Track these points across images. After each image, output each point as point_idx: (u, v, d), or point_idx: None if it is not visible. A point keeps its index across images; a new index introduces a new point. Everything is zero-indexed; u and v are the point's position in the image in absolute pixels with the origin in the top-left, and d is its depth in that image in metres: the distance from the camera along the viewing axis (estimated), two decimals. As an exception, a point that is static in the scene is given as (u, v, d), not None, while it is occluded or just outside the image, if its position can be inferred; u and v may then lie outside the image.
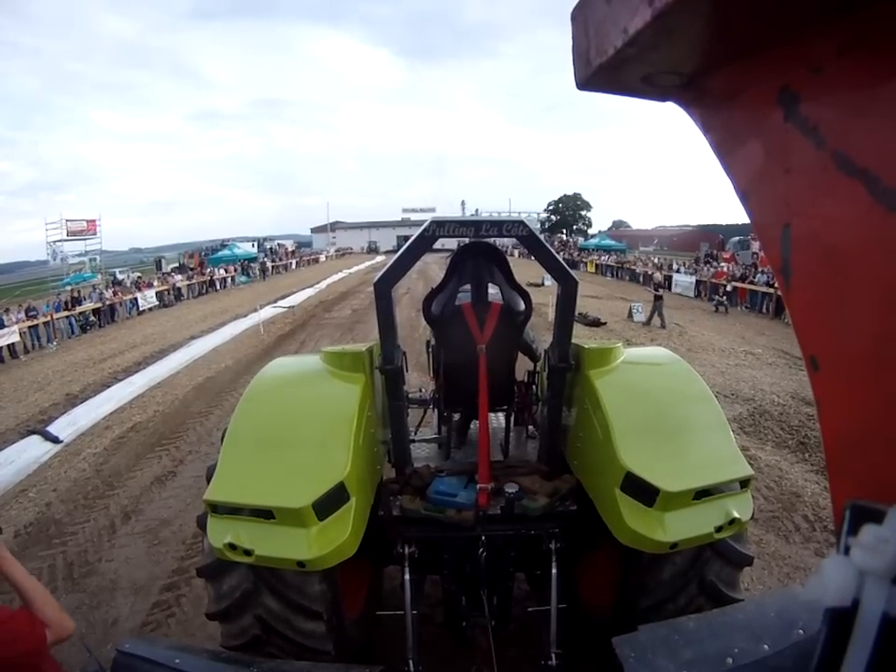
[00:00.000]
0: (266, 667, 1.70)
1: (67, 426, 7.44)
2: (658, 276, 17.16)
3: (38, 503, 5.35)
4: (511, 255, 26.43)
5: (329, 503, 1.86)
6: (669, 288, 22.26)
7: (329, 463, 1.93)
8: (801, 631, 1.31)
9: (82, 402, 8.60)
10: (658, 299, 14.05)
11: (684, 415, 2.21)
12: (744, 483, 2.06)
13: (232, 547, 1.80)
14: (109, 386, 9.46)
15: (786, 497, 4.88)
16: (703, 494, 1.96)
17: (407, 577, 2.32)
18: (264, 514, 1.84)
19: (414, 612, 2.30)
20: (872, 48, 0.42)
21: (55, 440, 6.95)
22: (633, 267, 26.89)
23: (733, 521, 1.94)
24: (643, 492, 1.93)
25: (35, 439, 6.96)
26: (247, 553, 1.79)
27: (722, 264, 21.44)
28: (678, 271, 22.92)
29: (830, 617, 0.52)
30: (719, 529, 1.93)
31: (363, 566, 2.55)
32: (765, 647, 1.35)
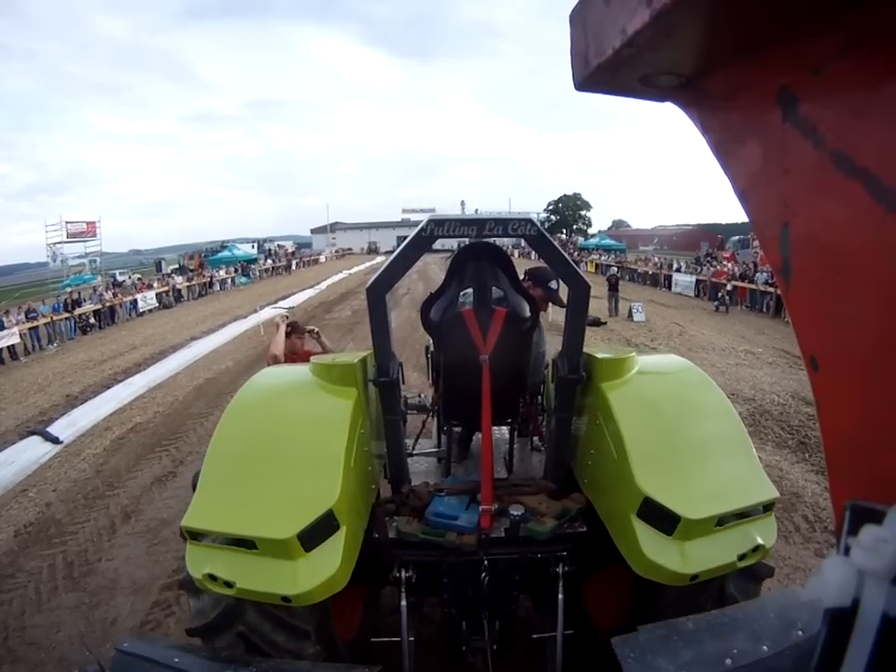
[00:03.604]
0: (265, 667, 1.69)
1: (67, 426, 7.45)
2: (613, 269, 19.24)
3: (38, 503, 5.35)
4: (511, 255, 26.39)
5: (317, 533, 1.73)
6: (669, 288, 22.33)
7: (317, 489, 1.80)
8: (800, 632, 1.31)
9: (82, 403, 8.61)
10: (612, 289, 15.62)
11: (704, 432, 2.06)
12: (767, 505, 1.92)
13: (213, 578, 1.69)
14: (109, 387, 9.47)
15: (786, 497, 4.87)
16: (725, 519, 1.83)
17: (403, 602, 2.18)
18: (246, 543, 1.71)
19: (411, 639, 2.17)
20: (872, 47, 0.42)
21: (55, 440, 6.95)
22: (633, 266, 26.93)
23: (756, 548, 1.81)
24: (662, 519, 1.80)
25: (36, 439, 6.97)
26: (228, 584, 1.68)
27: (723, 263, 21.46)
28: (678, 270, 22.92)
29: (830, 617, 0.52)
30: (742, 557, 1.80)
31: (357, 587, 2.36)
32: (765, 647, 1.35)
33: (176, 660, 1.58)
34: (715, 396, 2.22)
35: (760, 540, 1.82)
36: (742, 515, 1.87)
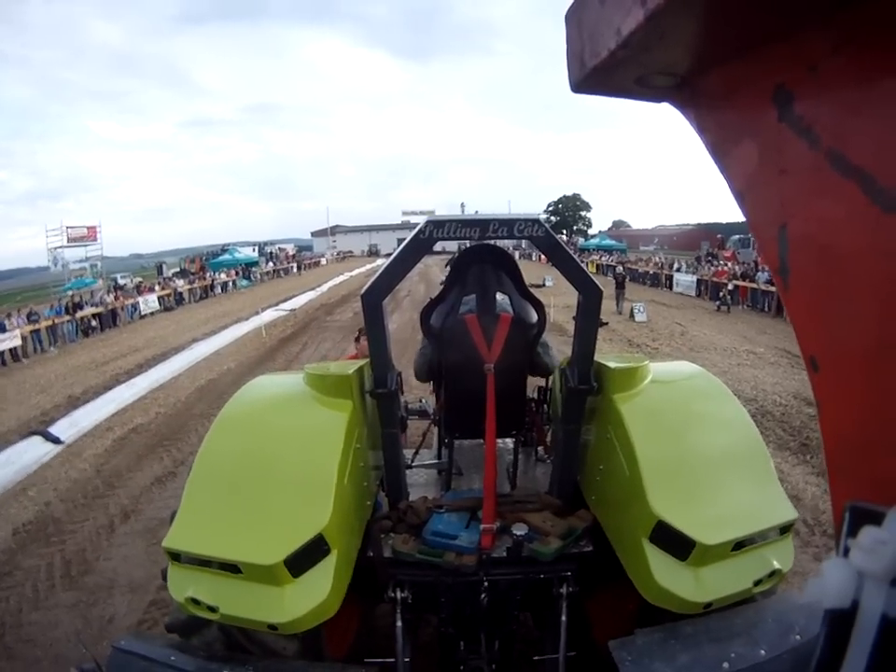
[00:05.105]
0: (262, 666, 1.69)
1: (69, 427, 7.48)
2: (620, 269, 20.53)
3: (38, 502, 5.37)
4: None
5: (306, 558, 1.64)
6: (670, 288, 22.34)
7: (307, 511, 1.71)
8: (798, 636, 1.31)
9: (84, 404, 8.65)
10: (619, 286, 16.61)
11: (720, 447, 1.96)
12: (784, 527, 1.83)
13: (196, 602, 1.62)
14: (111, 389, 9.52)
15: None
16: (740, 543, 1.74)
17: (399, 624, 2.07)
18: (231, 567, 1.63)
19: (407, 660, 2.07)
20: (866, 46, 0.42)
21: (56, 440, 6.98)
22: (634, 266, 26.95)
23: (773, 572, 1.73)
24: (676, 544, 1.71)
25: (37, 439, 7.00)
26: (212, 609, 1.61)
27: (724, 262, 21.47)
28: (678, 270, 22.92)
29: (829, 618, 0.51)
30: (757, 583, 1.72)
31: (351, 604, 2.25)
32: (762, 652, 1.35)
33: (173, 658, 1.59)
34: (732, 407, 2.13)
35: (777, 565, 1.75)
36: (760, 539, 1.80)
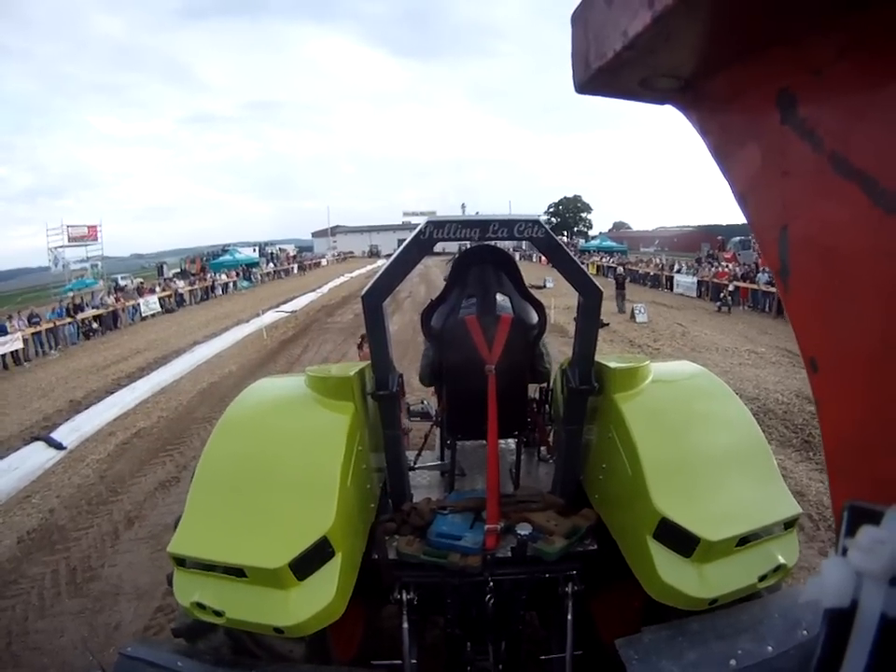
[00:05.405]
0: (269, 670, 1.69)
1: (71, 432, 7.48)
2: (620, 269, 21.23)
3: (42, 509, 5.36)
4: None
5: (310, 561, 1.65)
6: (671, 289, 22.32)
7: (311, 514, 1.72)
8: (805, 632, 1.31)
9: (86, 409, 8.64)
10: (619, 287, 16.95)
11: (723, 445, 1.97)
12: (789, 522, 1.84)
13: (201, 606, 1.63)
14: (113, 393, 9.52)
15: (790, 496, 4.86)
16: (745, 538, 1.76)
17: (405, 625, 2.07)
18: (236, 571, 1.64)
19: (414, 661, 2.07)
20: (871, 50, 0.42)
21: (59, 446, 6.98)
22: (634, 268, 26.92)
23: (778, 567, 1.75)
24: (680, 541, 1.72)
25: (39, 445, 7.00)
26: (218, 613, 1.62)
27: (725, 264, 21.45)
28: (678, 271, 22.90)
29: (829, 618, 0.52)
30: (762, 578, 1.73)
31: (357, 606, 2.24)
32: (769, 648, 1.35)
33: (179, 664, 1.59)
34: (733, 405, 2.15)
35: (782, 560, 1.76)
36: (764, 534, 1.81)
